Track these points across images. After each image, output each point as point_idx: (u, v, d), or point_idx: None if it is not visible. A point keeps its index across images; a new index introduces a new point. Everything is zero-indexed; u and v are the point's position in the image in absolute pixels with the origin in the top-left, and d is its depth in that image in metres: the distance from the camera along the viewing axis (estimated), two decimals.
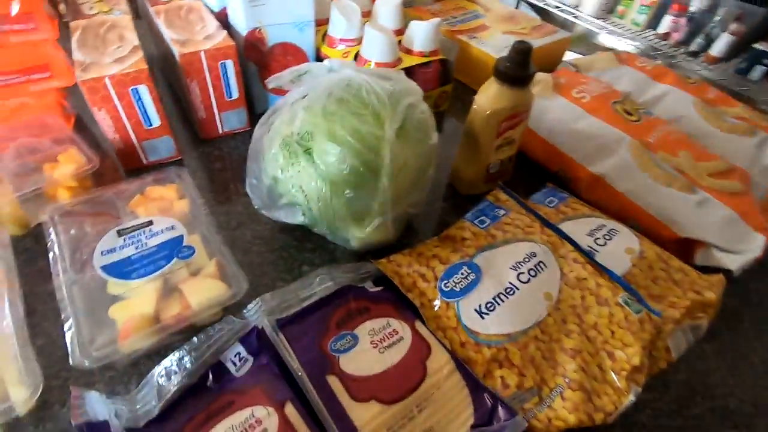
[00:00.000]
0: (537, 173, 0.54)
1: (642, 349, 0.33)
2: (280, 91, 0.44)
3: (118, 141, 0.46)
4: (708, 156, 0.46)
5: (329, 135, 0.35)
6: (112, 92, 0.42)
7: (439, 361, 0.34)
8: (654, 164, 0.45)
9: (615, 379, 0.33)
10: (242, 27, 0.51)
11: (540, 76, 0.56)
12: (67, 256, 0.35)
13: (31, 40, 0.46)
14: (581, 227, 0.44)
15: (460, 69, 0.71)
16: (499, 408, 0.31)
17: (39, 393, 0.30)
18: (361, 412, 0.30)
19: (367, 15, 0.61)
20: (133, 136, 0.46)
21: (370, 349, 0.34)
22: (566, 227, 0.43)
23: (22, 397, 0.29)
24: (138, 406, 0.30)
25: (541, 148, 0.53)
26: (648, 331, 0.34)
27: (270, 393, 0.30)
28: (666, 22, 1.31)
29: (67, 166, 0.41)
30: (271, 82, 0.38)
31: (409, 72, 0.57)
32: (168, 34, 0.48)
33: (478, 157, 0.48)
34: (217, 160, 0.52)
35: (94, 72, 0.41)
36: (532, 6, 1.57)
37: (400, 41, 0.58)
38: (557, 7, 1.50)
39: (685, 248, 0.44)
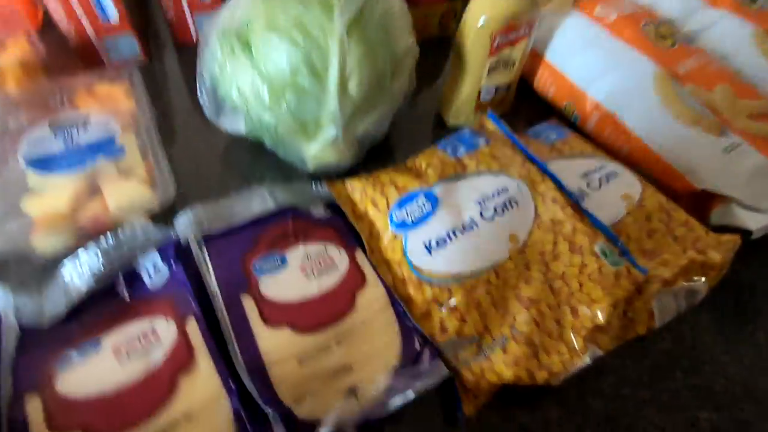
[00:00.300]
0: (542, 108, 0.47)
1: (611, 307, 0.28)
2: None
3: (74, 35, 0.42)
4: (754, 94, 0.37)
5: (268, 24, 0.29)
6: None
7: (372, 295, 0.30)
8: (679, 99, 0.37)
9: (572, 337, 0.28)
10: None
11: None
12: None
13: None
14: (576, 167, 0.37)
15: None
16: (426, 352, 0.27)
17: None
18: (271, 338, 0.27)
19: None
20: (89, 31, 0.42)
21: (298, 273, 0.30)
22: (558, 165, 0.37)
23: None
24: (46, 306, 0.29)
25: (549, 77, 0.45)
26: (623, 288, 0.28)
27: (176, 307, 0.28)
28: None
29: (15, 53, 0.39)
30: None
31: None
32: None
33: (467, 78, 0.41)
34: (188, 67, 0.48)
35: None
36: None
37: None
38: None
39: (699, 204, 0.36)
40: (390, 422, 0.27)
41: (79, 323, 0.28)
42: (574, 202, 0.33)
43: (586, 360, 0.27)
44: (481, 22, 0.37)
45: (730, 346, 0.33)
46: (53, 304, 0.28)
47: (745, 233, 0.34)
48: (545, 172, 0.34)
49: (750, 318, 0.34)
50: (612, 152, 0.41)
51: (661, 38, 0.41)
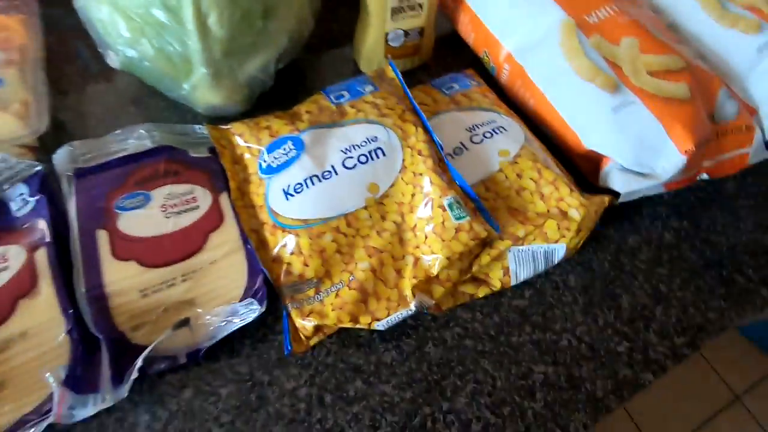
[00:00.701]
0: (466, 57, 0.45)
1: (446, 260, 0.28)
2: None
3: None
4: (662, 48, 0.35)
5: None
6: None
7: (225, 236, 0.31)
8: (581, 51, 0.35)
9: (405, 286, 0.28)
10: None
11: None
12: None
13: None
14: (466, 119, 0.36)
15: None
16: (262, 292, 0.29)
17: None
18: (116, 270, 0.29)
19: None
20: None
21: (157, 211, 0.31)
22: (449, 116, 0.36)
23: None
24: None
25: (468, 22, 0.43)
26: (462, 242, 0.28)
27: (31, 236, 0.29)
28: None
29: None
30: None
31: None
32: None
33: (372, 21, 0.39)
34: None
35: None
36: None
37: None
38: None
39: (592, 164, 0.35)
40: (228, 354, 0.29)
41: None
42: (439, 155, 0.32)
43: (411, 308, 0.28)
44: None
45: (590, 308, 0.33)
46: None
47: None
48: (423, 123, 0.34)
49: (621, 282, 0.34)
50: (522, 107, 0.40)
51: None
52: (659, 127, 0.32)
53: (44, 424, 0.23)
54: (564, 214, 0.31)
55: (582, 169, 0.37)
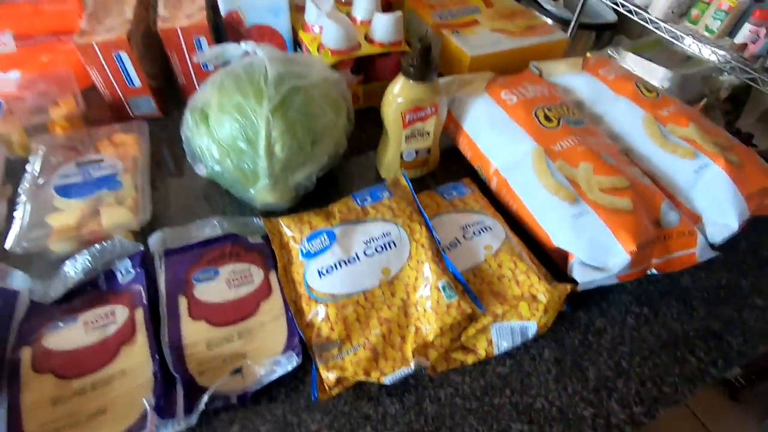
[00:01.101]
0: (465, 166, 0.57)
1: (439, 329, 0.37)
2: None
3: (108, 96, 0.57)
4: (610, 171, 0.45)
5: (219, 107, 0.42)
6: (100, 55, 0.53)
7: (272, 305, 0.40)
8: (548, 172, 0.46)
9: (407, 349, 0.37)
10: (222, 9, 0.59)
11: (476, 76, 0.57)
12: (38, 173, 0.47)
13: (61, 9, 0.59)
14: (461, 219, 0.47)
15: (441, 62, 0.73)
16: (298, 349, 0.37)
17: None
18: (191, 327, 0.38)
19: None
20: (119, 93, 0.57)
21: (224, 284, 0.41)
22: (447, 217, 0.47)
23: None
24: (50, 290, 0.41)
25: (466, 143, 0.55)
26: (452, 316, 0.37)
27: (133, 299, 0.40)
28: (744, 32, 1.16)
29: (64, 109, 0.54)
30: (196, 57, 0.46)
31: (368, 60, 0.62)
32: (160, 12, 0.58)
33: (391, 143, 0.52)
34: None
35: (87, 38, 0.52)
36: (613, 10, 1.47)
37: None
38: (623, 6, 1.39)
39: (562, 257, 0.45)
40: (267, 399, 0.37)
41: (68, 303, 0.40)
42: (437, 248, 0.42)
43: (411, 366, 0.36)
44: (394, 104, 0.48)
45: (561, 377, 0.40)
46: (55, 289, 0.41)
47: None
48: (426, 223, 0.44)
49: (588, 356, 0.42)
50: (507, 210, 0.51)
51: (548, 120, 0.50)
52: (608, 232, 0.42)
53: None
54: (534, 298, 0.40)
55: (555, 261, 0.46)
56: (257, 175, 0.44)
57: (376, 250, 0.42)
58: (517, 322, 0.40)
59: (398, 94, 0.48)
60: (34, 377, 0.34)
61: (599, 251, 0.42)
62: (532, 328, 0.40)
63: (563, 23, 1.72)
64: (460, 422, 0.37)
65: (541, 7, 1.83)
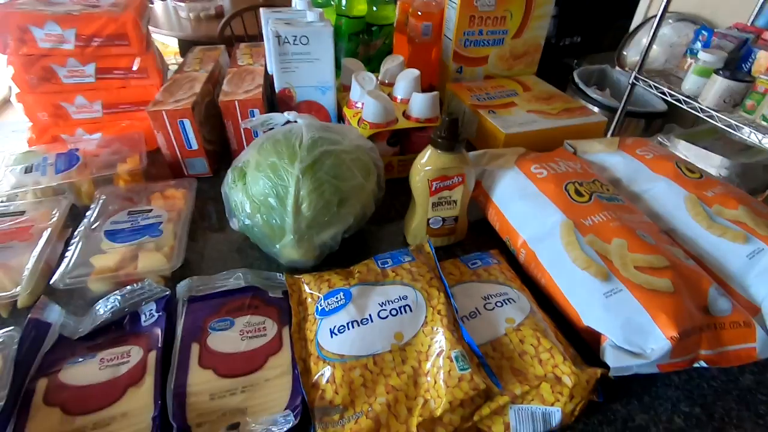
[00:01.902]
0: (494, 238, 0.56)
1: (448, 404, 0.34)
2: None
3: (168, 156, 0.64)
4: (648, 249, 0.43)
5: (256, 165, 0.46)
6: (167, 121, 0.60)
7: (280, 360, 0.40)
8: (577, 246, 0.44)
9: (413, 423, 0.34)
10: (276, 86, 0.67)
11: (507, 150, 0.58)
12: (93, 220, 0.52)
13: (144, 85, 0.69)
14: (483, 289, 0.45)
15: (478, 139, 0.76)
16: (298, 410, 0.36)
17: (36, 296, 0.45)
18: (198, 376, 0.38)
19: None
20: (178, 154, 0.64)
21: (237, 335, 0.41)
22: (470, 286, 0.46)
23: (22, 301, 0.45)
24: (80, 326, 0.43)
25: (495, 215, 0.54)
26: (463, 390, 0.34)
27: (149, 341, 0.41)
28: None
29: (129, 165, 0.61)
30: (244, 124, 0.51)
31: (405, 134, 0.66)
32: (224, 88, 0.66)
33: (419, 210, 0.53)
34: None
35: (158, 107, 0.60)
36: (664, 100, 1.49)
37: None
38: (671, 95, 1.39)
39: (594, 337, 0.41)
40: None
41: (92, 340, 0.41)
42: (455, 316, 0.40)
43: None
44: (422, 173, 0.50)
45: None
46: (84, 325, 0.43)
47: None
48: (446, 289, 0.43)
49: None
50: (536, 283, 0.48)
51: (578, 195, 0.49)
52: (645, 314, 0.38)
53: None
54: (558, 380, 0.36)
55: (588, 343, 0.42)
56: (284, 230, 0.46)
57: (391, 313, 0.41)
58: (538, 406, 0.36)
59: (426, 163, 0.49)
60: (43, 409, 0.35)
61: (635, 334, 0.38)
62: (556, 415, 0.35)
63: (610, 111, 1.75)
64: None
65: (588, 96, 1.87)
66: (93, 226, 0.51)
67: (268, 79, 0.71)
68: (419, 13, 0.87)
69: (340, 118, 0.72)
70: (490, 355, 0.39)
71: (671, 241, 0.47)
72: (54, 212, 0.53)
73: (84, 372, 0.38)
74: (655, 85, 1.45)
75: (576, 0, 3.54)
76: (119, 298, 0.44)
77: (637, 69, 1.50)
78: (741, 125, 1.21)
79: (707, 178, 0.53)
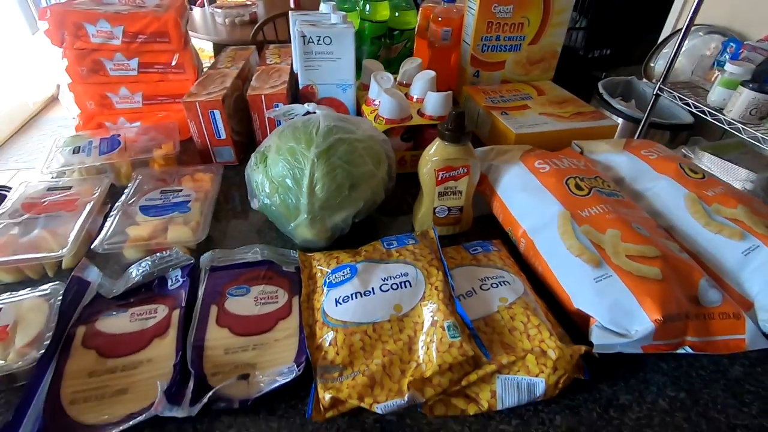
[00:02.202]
0: (499, 234, 0.58)
1: (438, 367, 0.37)
2: None
3: (199, 144, 0.69)
4: (640, 240, 0.45)
5: (276, 149, 0.50)
6: (199, 111, 0.66)
7: (289, 324, 0.44)
8: (573, 234, 0.46)
9: (404, 382, 0.37)
10: (300, 83, 0.72)
11: (514, 147, 0.61)
12: (130, 196, 0.58)
13: (181, 79, 0.75)
14: (480, 272, 0.48)
15: (490, 139, 0.79)
16: (302, 366, 0.39)
17: (78, 259, 0.51)
18: (215, 332, 0.42)
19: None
20: (208, 142, 0.69)
21: (251, 301, 0.46)
22: (468, 269, 0.48)
23: (67, 262, 0.51)
24: (114, 287, 0.48)
25: (499, 207, 0.57)
26: (453, 355, 0.37)
27: (174, 301, 0.45)
28: None
29: (164, 151, 0.66)
30: (268, 113, 0.56)
31: (419, 130, 0.69)
32: (252, 83, 0.72)
33: (426, 200, 0.56)
34: None
35: (192, 98, 0.65)
36: (690, 113, 1.48)
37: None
38: (696, 107, 1.38)
39: (584, 321, 0.43)
40: (267, 411, 0.39)
41: (125, 299, 0.46)
42: (451, 293, 0.43)
43: (405, 399, 0.36)
44: (429, 163, 0.53)
45: None
46: (118, 286, 0.48)
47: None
48: (445, 269, 0.46)
49: (591, 422, 0.38)
50: (534, 271, 0.51)
51: (578, 189, 0.51)
52: (632, 298, 0.40)
53: (143, 417, 0.35)
54: (543, 353, 0.38)
55: (577, 324, 0.44)
56: (299, 210, 0.50)
57: (392, 287, 0.44)
58: (524, 376, 0.38)
59: (434, 153, 0.53)
60: (81, 350, 0.40)
61: (621, 316, 0.40)
62: (540, 385, 0.38)
63: (634, 122, 1.74)
64: None
65: (611, 106, 1.87)
66: (129, 202, 0.57)
67: (294, 77, 0.76)
68: (439, 18, 0.91)
69: (359, 115, 0.76)
70: (483, 329, 0.42)
71: (667, 236, 0.49)
72: (96, 189, 0.59)
73: (117, 323, 0.43)
74: (680, 96, 1.44)
75: (606, 12, 3.53)
76: (149, 263, 0.49)
77: (661, 80, 1.50)
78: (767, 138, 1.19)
79: (710, 179, 0.54)
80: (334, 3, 0.81)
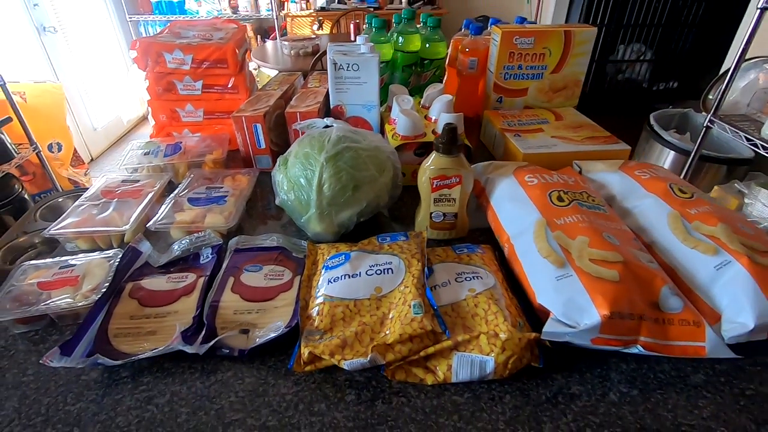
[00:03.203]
0: (493, 243, 0.63)
1: (399, 336, 0.43)
2: None
3: (243, 152, 0.82)
4: (606, 247, 0.48)
5: (295, 154, 0.60)
6: (245, 124, 0.78)
7: (288, 296, 0.52)
8: (544, 239, 0.51)
9: (370, 347, 0.44)
10: (331, 103, 0.83)
11: (510, 162, 0.66)
12: (183, 189, 0.71)
13: (235, 98, 0.89)
14: (459, 268, 0.54)
15: (504, 158, 0.85)
16: (290, 327, 0.47)
17: (134, 236, 0.63)
18: (229, 296, 0.52)
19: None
20: (251, 151, 0.82)
21: (262, 276, 0.55)
22: (450, 264, 0.55)
23: (127, 236, 0.63)
24: (160, 259, 0.60)
25: (492, 216, 0.63)
26: (413, 328, 0.43)
27: (203, 271, 0.56)
28: None
29: (214, 156, 0.80)
30: (295, 125, 0.67)
31: (429, 146, 0.77)
32: (291, 102, 0.84)
33: (424, 205, 0.63)
34: None
35: (240, 113, 0.78)
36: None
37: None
38: (750, 140, 1.32)
39: (546, 315, 0.47)
40: (260, 362, 0.47)
41: (166, 268, 0.58)
42: (424, 280, 0.49)
43: (368, 359, 0.42)
44: (426, 172, 0.60)
45: (513, 422, 0.41)
46: (162, 258, 0.59)
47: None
48: (424, 261, 0.52)
49: (549, 413, 0.42)
50: (514, 274, 0.55)
51: (560, 200, 0.56)
52: (586, 295, 0.44)
53: (163, 349, 0.44)
54: (496, 335, 0.43)
55: (542, 319, 0.48)
56: (309, 205, 0.59)
57: (376, 272, 0.51)
58: (477, 354, 0.43)
59: (430, 164, 0.60)
60: (127, 299, 0.51)
61: (574, 311, 0.44)
62: (489, 363, 0.43)
63: (686, 154, 1.68)
64: (401, 426, 0.41)
65: (662, 138, 1.82)
66: (181, 194, 0.70)
67: (328, 98, 0.88)
68: (467, 49, 1.00)
69: (382, 132, 0.86)
70: (449, 313, 0.48)
71: (641, 248, 0.52)
72: (157, 183, 0.73)
73: (156, 282, 0.54)
74: (732, 128, 1.39)
75: (673, 44, 3.41)
76: (187, 241, 0.60)
77: (712, 111, 1.45)
78: None
79: (698, 199, 0.56)
80: (368, 36, 0.92)
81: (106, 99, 3.06)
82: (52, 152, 2.23)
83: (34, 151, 1.76)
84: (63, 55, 2.64)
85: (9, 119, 1.71)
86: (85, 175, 2.38)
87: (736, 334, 0.44)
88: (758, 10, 1.24)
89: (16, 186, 1.76)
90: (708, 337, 0.44)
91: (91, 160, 2.87)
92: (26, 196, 1.78)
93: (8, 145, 1.69)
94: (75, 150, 2.38)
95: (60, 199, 1.33)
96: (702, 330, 0.44)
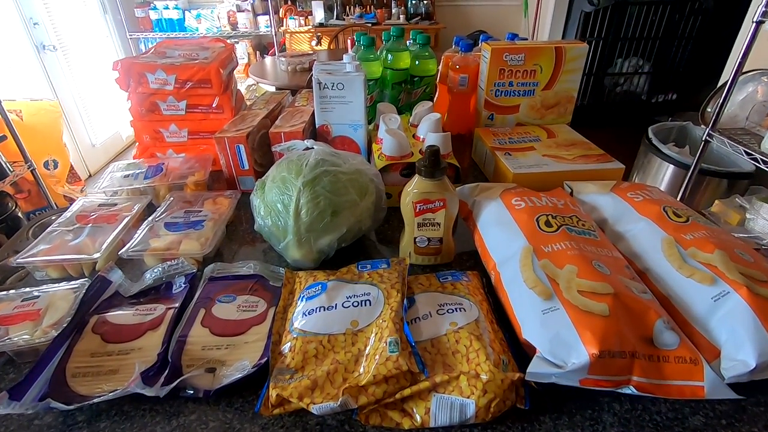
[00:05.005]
0: (479, 267, 0.60)
1: (373, 377, 0.40)
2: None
3: (227, 173, 0.80)
4: (595, 277, 0.45)
5: (272, 178, 0.58)
6: (227, 145, 0.77)
7: (260, 330, 0.49)
8: (531, 268, 0.48)
9: (341, 388, 0.41)
10: (317, 123, 0.81)
11: (497, 184, 0.64)
12: (161, 213, 0.68)
13: (220, 118, 0.88)
14: (442, 299, 0.51)
15: (494, 177, 0.82)
16: (259, 366, 0.44)
17: (106, 263, 0.61)
18: (198, 330, 0.49)
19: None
20: (234, 172, 0.80)
21: (235, 307, 0.52)
22: (433, 294, 0.52)
23: (99, 263, 0.61)
24: (131, 288, 0.57)
25: (479, 240, 0.60)
26: (388, 368, 0.40)
27: (172, 302, 0.53)
28: None
29: (196, 177, 0.77)
30: (274, 147, 0.65)
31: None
32: (276, 122, 0.82)
33: (407, 229, 0.60)
34: None
35: (223, 134, 0.77)
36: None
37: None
38: (749, 154, 1.30)
39: (532, 350, 0.44)
40: (226, 403, 0.44)
41: (137, 299, 0.55)
42: (402, 313, 0.47)
43: (338, 403, 0.39)
44: (409, 196, 0.58)
45: None
46: (134, 288, 0.57)
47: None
48: (403, 292, 0.50)
49: None
50: (500, 302, 0.52)
51: (548, 226, 0.53)
52: (573, 331, 0.41)
53: (121, 392, 0.41)
54: (477, 375, 0.40)
55: (528, 355, 0.45)
56: (286, 231, 0.57)
57: (353, 304, 0.49)
58: (457, 396, 0.40)
59: (412, 188, 0.57)
60: (90, 334, 0.48)
61: (561, 348, 0.41)
62: (470, 407, 0.40)
63: (685, 168, 1.65)
64: None
65: (660, 152, 1.80)
66: (158, 218, 0.67)
67: (314, 117, 0.86)
68: (457, 66, 0.98)
69: (369, 152, 0.84)
70: (429, 350, 0.45)
71: (634, 277, 0.49)
72: (135, 206, 0.70)
73: (122, 315, 0.51)
74: (731, 142, 1.37)
75: (671, 56, 3.41)
76: (160, 269, 0.57)
77: (710, 125, 1.43)
78: None
79: (694, 223, 0.53)
80: (355, 54, 0.91)
81: (106, 115, 3.07)
82: (48, 169, 2.23)
83: (28, 168, 1.75)
84: (62, 73, 2.66)
85: (3, 137, 1.71)
86: (81, 191, 2.38)
87: (737, 373, 0.41)
88: (754, 24, 1.23)
89: (10, 204, 1.75)
90: (707, 376, 0.41)
91: (90, 176, 2.87)
92: (20, 213, 1.76)
93: (2, 162, 1.69)
94: (71, 167, 2.37)
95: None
96: (700, 368, 0.41)
